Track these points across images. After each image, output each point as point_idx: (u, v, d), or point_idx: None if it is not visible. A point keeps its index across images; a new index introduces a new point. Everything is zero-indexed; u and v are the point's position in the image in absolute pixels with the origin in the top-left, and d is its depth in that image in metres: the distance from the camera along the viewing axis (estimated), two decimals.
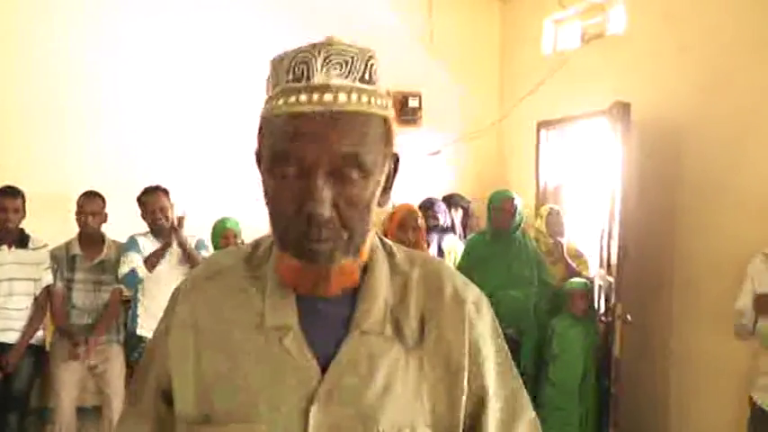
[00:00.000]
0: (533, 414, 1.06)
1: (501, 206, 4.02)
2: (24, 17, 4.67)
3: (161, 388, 1.01)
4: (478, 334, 1.00)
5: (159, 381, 1.01)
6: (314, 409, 0.91)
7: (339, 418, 0.91)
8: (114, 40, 4.80)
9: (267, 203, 0.93)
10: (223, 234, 3.98)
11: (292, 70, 0.89)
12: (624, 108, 3.94)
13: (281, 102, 0.89)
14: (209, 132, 4.98)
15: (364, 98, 0.89)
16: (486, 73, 5.90)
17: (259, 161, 0.97)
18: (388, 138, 0.93)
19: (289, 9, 4.97)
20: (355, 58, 0.90)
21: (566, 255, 4.44)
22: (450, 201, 5.19)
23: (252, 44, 4.95)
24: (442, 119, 5.66)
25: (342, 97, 0.87)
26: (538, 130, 5.42)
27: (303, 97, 0.87)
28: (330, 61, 0.88)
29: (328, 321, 0.96)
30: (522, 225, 4.11)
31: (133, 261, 3.85)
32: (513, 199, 4.03)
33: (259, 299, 0.97)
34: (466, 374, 0.98)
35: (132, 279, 3.87)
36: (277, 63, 0.92)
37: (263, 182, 0.93)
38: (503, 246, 4.02)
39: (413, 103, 5.50)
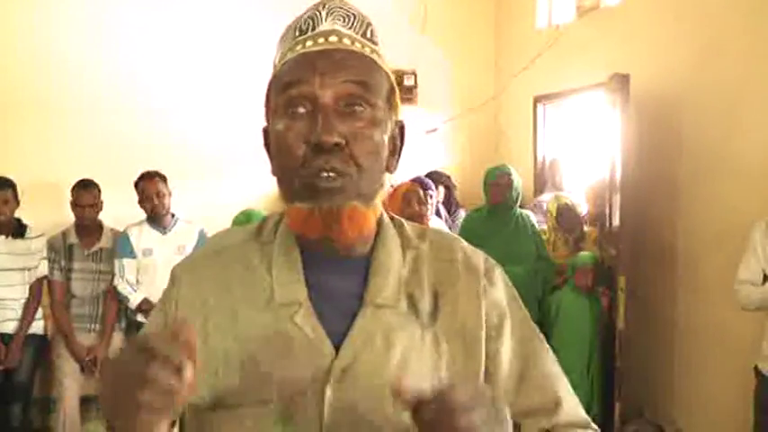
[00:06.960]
0: (558, 370, 1.00)
1: (497, 181, 4.00)
2: (14, 5, 4.58)
3: None
4: (493, 300, 0.98)
5: None
6: (329, 388, 0.87)
7: (355, 397, 0.88)
8: (105, 27, 4.72)
9: (274, 152, 0.93)
10: None
11: (299, 27, 0.93)
12: (623, 80, 3.90)
13: (288, 53, 0.92)
14: (205, 118, 4.92)
15: (367, 49, 0.93)
16: (481, 49, 5.83)
17: (267, 141, 0.97)
18: (391, 96, 0.94)
19: None
20: (357, 17, 0.94)
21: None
22: (432, 179, 4.76)
23: (245, 27, 4.89)
24: (438, 96, 5.61)
25: (346, 41, 0.91)
26: (535, 105, 5.37)
27: (309, 42, 0.91)
28: (334, 13, 0.93)
29: (339, 297, 0.93)
30: (518, 199, 4.07)
31: (125, 287, 3.84)
32: (509, 174, 4.00)
33: (268, 276, 0.93)
34: (483, 345, 0.95)
35: (126, 301, 3.90)
36: (286, 29, 0.96)
37: (272, 135, 0.93)
38: (501, 222, 3.99)
39: (408, 81, 5.44)
